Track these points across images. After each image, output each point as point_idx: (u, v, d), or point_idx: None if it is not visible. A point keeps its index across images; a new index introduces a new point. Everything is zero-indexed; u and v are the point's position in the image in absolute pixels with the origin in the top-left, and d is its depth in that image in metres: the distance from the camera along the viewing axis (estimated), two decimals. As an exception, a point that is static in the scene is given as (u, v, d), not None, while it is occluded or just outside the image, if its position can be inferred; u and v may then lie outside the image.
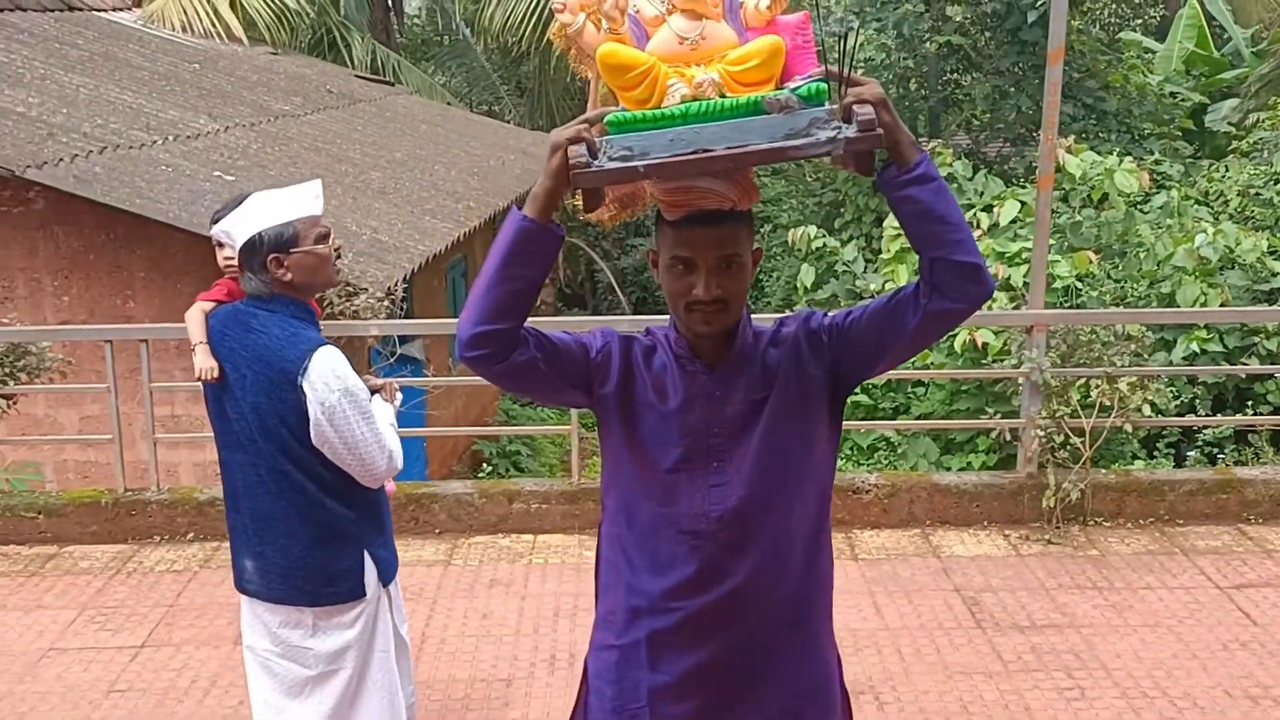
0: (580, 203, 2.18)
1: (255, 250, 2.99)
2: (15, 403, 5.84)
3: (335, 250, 3.17)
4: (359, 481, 3.09)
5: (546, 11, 15.13)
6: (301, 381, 2.94)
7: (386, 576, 3.23)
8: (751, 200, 2.15)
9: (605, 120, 2.02)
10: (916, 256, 2.07)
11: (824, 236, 11.77)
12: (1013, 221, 10.22)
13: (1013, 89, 15.64)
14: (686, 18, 2.05)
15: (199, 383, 3.25)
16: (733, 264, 2.12)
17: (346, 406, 2.97)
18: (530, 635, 4.85)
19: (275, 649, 3.17)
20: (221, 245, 3.54)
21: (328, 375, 2.95)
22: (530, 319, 2.13)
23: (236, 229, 3.03)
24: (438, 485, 6.12)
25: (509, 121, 17.25)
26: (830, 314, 2.25)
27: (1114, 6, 17.45)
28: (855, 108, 1.95)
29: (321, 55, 15.86)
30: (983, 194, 12.00)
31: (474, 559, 5.61)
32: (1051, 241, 9.99)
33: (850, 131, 1.94)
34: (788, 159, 2.07)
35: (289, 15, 14.61)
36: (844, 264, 11.82)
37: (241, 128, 10.30)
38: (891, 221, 10.46)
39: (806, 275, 11.50)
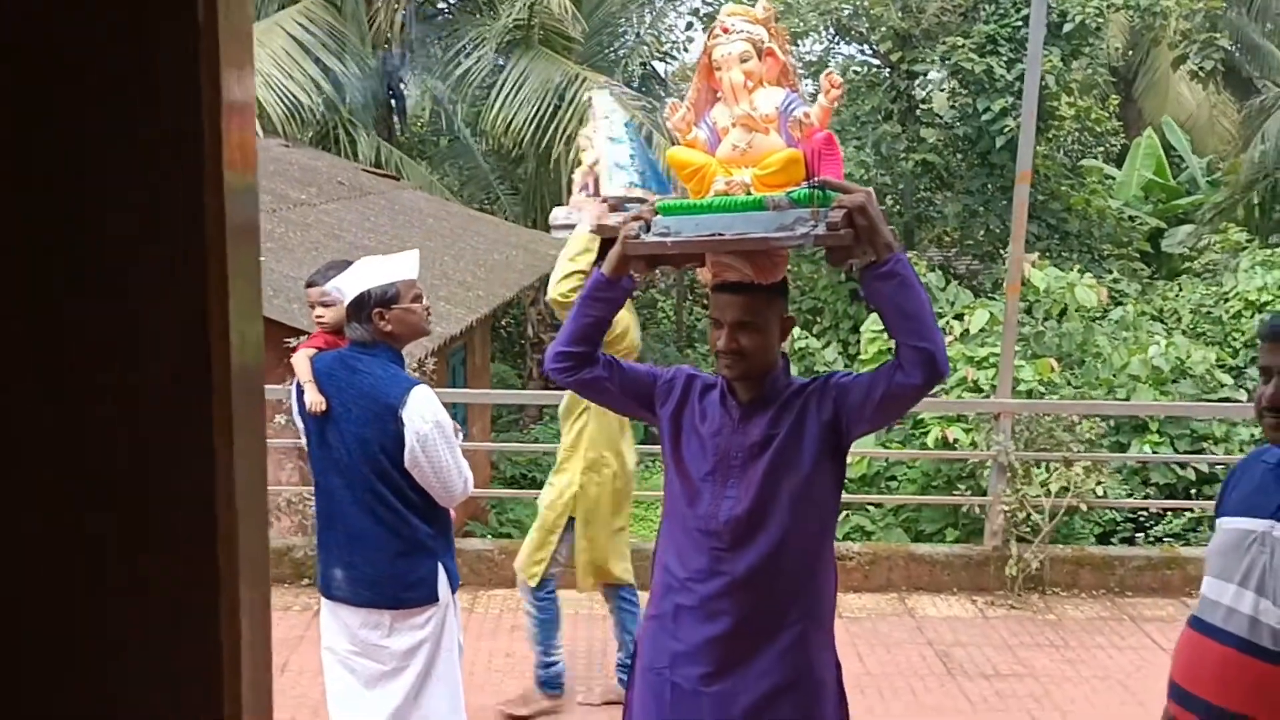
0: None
1: (363, 304, 3.63)
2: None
3: (426, 309, 3.82)
4: (437, 502, 3.70)
5: (545, 116, 16.02)
6: (402, 413, 3.55)
7: (454, 585, 3.81)
8: (770, 278, 2.70)
9: (657, 205, 2.69)
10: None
11: (805, 338, 12.52)
12: (981, 330, 11.01)
13: (982, 208, 16.60)
14: (742, 130, 2.70)
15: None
16: (747, 326, 2.68)
17: (436, 436, 3.59)
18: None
19: (354, 648, 3.73)
20: (313, 305, 4.21)
21: (424, 409, 3.57)
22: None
23: (348, 285, 3.66)
24: (460, 542, 6.69)
25: (502, 219, 18.05)
26: (848, 375, 2.76)
27: (1077, 134, 18.61)
28: (833, 210, 2.43)
29: (329, 149, 16.65)
30: (953, 304, 12.83)
31: (494, 608, 6.17)
32: (1017, 349, 10.79)
33: (819, 230, 2.41)
34: (772, 247, 2.57)
35: (301, 110, 15.42)
36: (824, 364, 12.56)
37: (265, 213, 10.99)
38: (869, 325, 11.22)
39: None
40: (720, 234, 2.54)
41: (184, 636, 0.73)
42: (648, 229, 2.65)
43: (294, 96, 15.12)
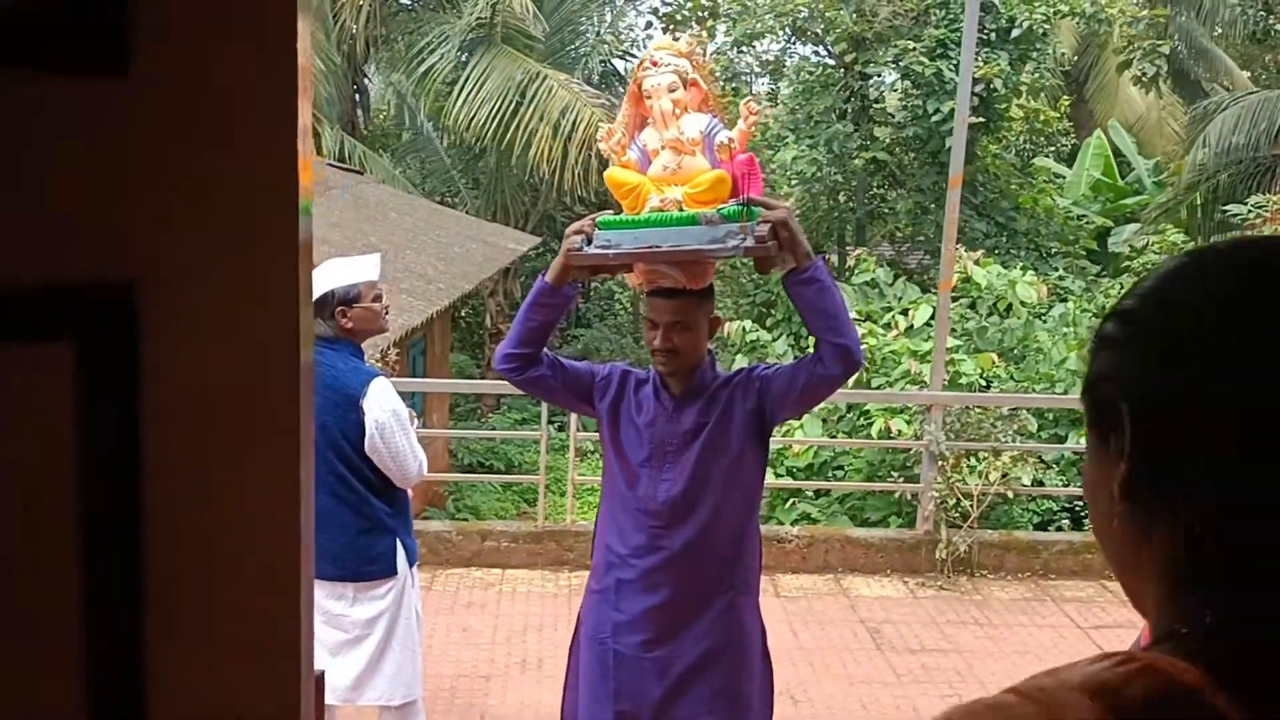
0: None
1: (327, 303, 3.92)
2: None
3: (385, 308, 4.12)
4: (395, 484, 4.01)
5: (506, 113, 16.28)
6: (362, 403, 3.86)
7: (411, 560, 4.12)
8: (700, 283, 3.02)
9: (597, 220, 2.99)
10: None
11: (757, 330, 12.88)
12: (926, 324, 11.41)
13: (932, 205, 17.00)
14: (671, 152, 3.00)
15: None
16: (681, 326, 3.00)
17: (394, 424, 3.90)
18: (504, 644, 5.73)
19: (319, 617, 4.04)
20: None
21: (382, 399, 3.88)
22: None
23: (313, 284, 3.97)
24: (418, 524, 7.00)
25: (464, 213, 18.30)
26: (770, 367, 3.10)
27: (1028, 135, 19.08)
28: (760, 225, 2.79)
29: (292, 143, 16.83)
30: (901, 299, 13.25)
31: (451, 586, 6.49)
32: (959, 343, 11.21)
33: (748, 242, 2.78)
34: (706, 258, 2.92)
35: (265, 105, 15.60)
36: (775, 356, 12.93)
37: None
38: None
39: (740, 365, 12.56)
40: (657, 246, 2.86)
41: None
42: (589, 242, 2.96)
43: (258, 90, 15.28)
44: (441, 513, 11.87)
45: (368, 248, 11.51)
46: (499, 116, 16.31)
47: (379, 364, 7.15)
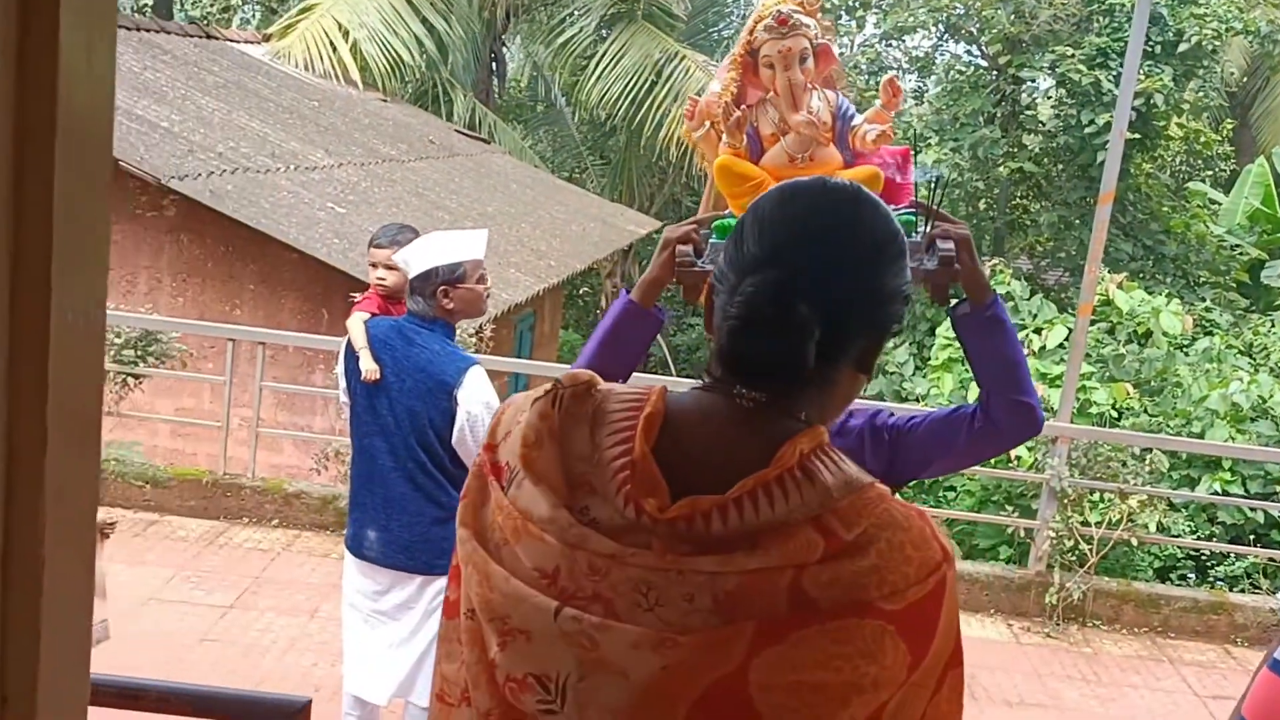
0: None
1: (429, 280, 3.62)
2: (141, 383, 6.55)
3: (488, 290, 3.82)
4: (477, 478, 3.72)
5: (640, 91, 15.99)
6: (456, 392, 3.56)
7: (480, 557, 3.83)
8: None
9: (713, 224, 2.30)
10: (964, 367, 2.52)
11: (877, 338, 12.33)
12: (1059, 346, 10.78)
13: (1077, 221, 16.24)
14: (799, 140, 2.35)
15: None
16: None
17: (486, 417, 3.59)
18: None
19: (379, 608, 3.76)
20: (376, 265, 4.23)
21: (477, 390, 3.57)
22: None
23: (416, 259, 3.67)
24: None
25: (590, 190, 18.09)
26: (895, 415, 2.42)
27: (1185, 156, 18.10)
28: (938, 241, 2.14)
29: (425, 107, 16.79)
30: (1036, 316, 12.58)
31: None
32: (1093, 370, 10.55)
33: (930, 264, 2.14)
34: None
35: (401, 67, 15.55)
36: (895, 365, 12.41)
37: (353, 165, 11.13)
38: (943, 331, 11.04)
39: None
40: None
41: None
42: (699, 253, 2.24)
43: (396, 52, 15.25)
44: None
45: (483, 217, 11.32)
46: (632, 95, 16.03)
47: (474, 340, 6.89)
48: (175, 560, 5.83)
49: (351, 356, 3.80)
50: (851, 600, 1.05)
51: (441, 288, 3.58)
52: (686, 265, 2.20)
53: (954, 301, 2.26)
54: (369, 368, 3.70)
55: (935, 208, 2.26)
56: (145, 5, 25.11)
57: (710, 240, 2.27)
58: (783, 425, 1.14)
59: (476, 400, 3.55)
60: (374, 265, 4.16)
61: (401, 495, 3.65)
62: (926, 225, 2.22)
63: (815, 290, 1.16)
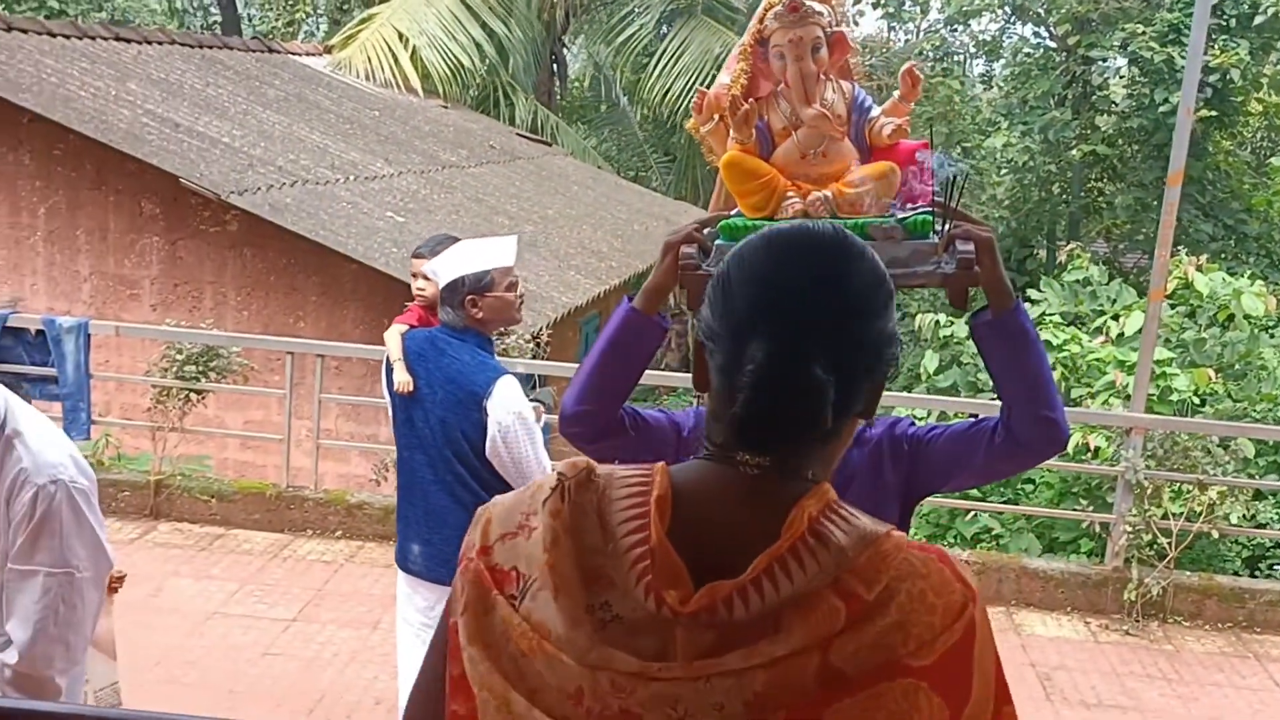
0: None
1: (456, 290, 3.57)
2: (204, 398, 6.61)
3: (519, 297, 3.76)
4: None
5: (702, 85, 15.86)
6: (486, 403, 3.51)
7: (525, 570, 3.77)
8: None
9: (719, 225, 2.18)
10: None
11: (951, 324, 12.05)
12: (1138, 332, 10.46)
13: (1154, 202, 15.82)
14: (811, 135, 2.22)
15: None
16: None
17: (518, 428, 3.53)
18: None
19: (428, 622, 3.72)
20: (416, 276, 4.20)
21: (508, 400, 3.51)
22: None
23: (443, 269, 3.62)
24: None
25: (654, 188, 18.01)
26: (915, 426, 2.32)
27: (1266, 132, 17.55)
28: (958, 242, 2.02)
29: (487, 111, 16.85)
30: (1114, 301, 12.24)
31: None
32: (1172, 356, 10.23)
33: (948, 267, 2.03)
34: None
35: (462, 72, 15.62)
36: (970, 355, 12.11)
37: (413, 174, 11.18)
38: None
39: (930, 362, 11.80)
40: None
41: None
42: (705, 254, 2.13)
43: (456, 58, 15.31)
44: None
45: (544, 220, 11.30)
46: (694, 90, 15.89)
47: (531, 346, 6.86)
48: (240, 574, 5.87)
49: (391, 369, 3.77)
50: (880, 664, 1.03)
51: (469, 297, 3.53)
52: (691, 268, 2.09)
53: (974, 309, 2.13)
54: (403, 379, 3.67)
55: (954, 206, 2.13)
56: (215, 22, 25.56)
57: (716, 241, 2.16)
58: (789, 489, 1.12)
59: (507, 410, 3.49)
60: (415, 276, 4.14)
61: (442, 508, 3.61)
62: (944, 225, 2.09)
63: (825, 351, 1.13)
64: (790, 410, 1.12)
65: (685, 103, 15.99)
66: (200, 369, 6.44)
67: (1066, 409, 2.22)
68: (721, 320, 1.19)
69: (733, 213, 2.25)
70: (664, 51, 16.55)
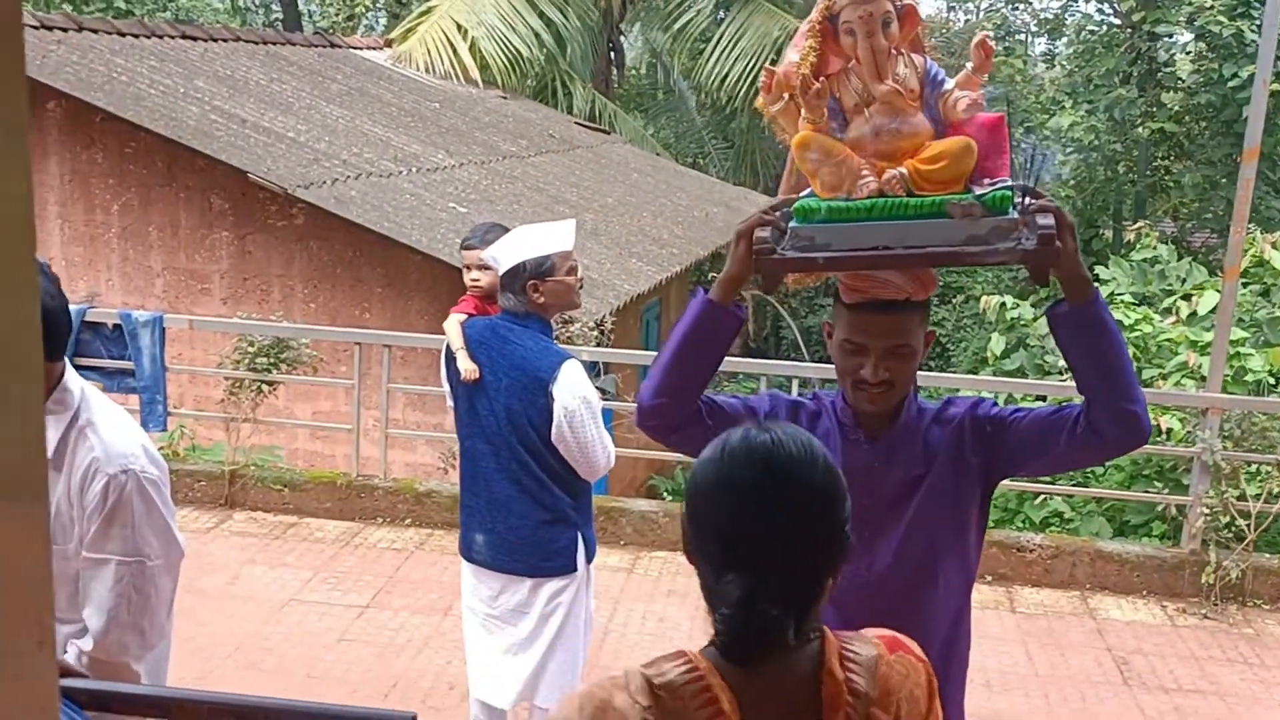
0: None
1: (517, 275, 3.59)
2: (275, 389, 6.70)
3: (580, 281, 3.77)
4: (580, 475, 3.67)
5: (760, 71, 15.78)
6: (551, 388, 3.52)
7: (590, 555, 3.78)
8: (928, 291, 2.23)
9: (794, 207, 2.14)
10: None
11: (1018, 306, 11.87)
12: (1211, 312, 10.26)
13: (1224, 180, 15.52)
14: (884, 111, 2.15)
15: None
16: (901, 351, 2.20)
17: (584, 412, 3.54)
18: (701, 639, 5.34)
19: (493, 612, 3.75)
20: (469, 267, 4.23)
21: (573, 385, 3.52)
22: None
23: (504, 255, 3.64)
24: (625, 501, 6.71)
25: (713, 175, 17.95)
26: (997, 407, 2.31)
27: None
28: (1038, 216, 1.99)
29: (545, 101, 16.88)
30: (1184, 281, 12.01)
31: (654, 570, 6.16)
32: (1246, 335, 10.03)
33: (1029, 243, 1.99)
34: (964, 264, 2.14)
35: (521, 62, 15.66)
36: (1037, 338, 11.94)
37: (474, 165, 11.23)
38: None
39: (996, 344, 11.65)
40: (890, 247, 2.05)
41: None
42: (781, 235, 2.10)
43: (514, 48, 15.36)
44: (668, 482, 11.61)
45: (604, 208, 11.31)
46: (752, 76, 15.82)
47: (595, 333, 6.87)
48: (313, 562, 5.95)
49: (452, 358, 3.79)
50: None
51: (530, 282, 3.54)
52: (766, 252, 2.08)
53: (1051, 300, 2.09)
54: (467, 367, 3.68)
55: (1033, 186, 2.12)
56: (276, 19, 25.86)
57: (791, 224, 2.13)
58: (808, 650, 1.40)
59: (572, 395, 3.50)
60: (467, 267, 4.16)
61: (507, 497, 3.62)
62: (1024, 200, 2.06)
63: (783, 593, 1.35)
64: (758, 638, 1.35)
65: (743, 88, 15.91)
66: (271, 361, 6.53)
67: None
68: (699, 549, 1.42)
69: (805, 193, 2.21)
70: (721, 37, 16.46)
